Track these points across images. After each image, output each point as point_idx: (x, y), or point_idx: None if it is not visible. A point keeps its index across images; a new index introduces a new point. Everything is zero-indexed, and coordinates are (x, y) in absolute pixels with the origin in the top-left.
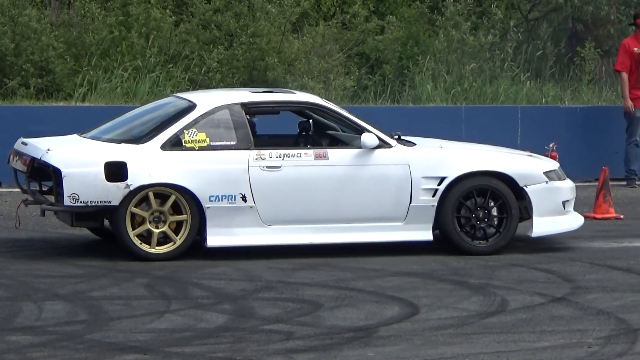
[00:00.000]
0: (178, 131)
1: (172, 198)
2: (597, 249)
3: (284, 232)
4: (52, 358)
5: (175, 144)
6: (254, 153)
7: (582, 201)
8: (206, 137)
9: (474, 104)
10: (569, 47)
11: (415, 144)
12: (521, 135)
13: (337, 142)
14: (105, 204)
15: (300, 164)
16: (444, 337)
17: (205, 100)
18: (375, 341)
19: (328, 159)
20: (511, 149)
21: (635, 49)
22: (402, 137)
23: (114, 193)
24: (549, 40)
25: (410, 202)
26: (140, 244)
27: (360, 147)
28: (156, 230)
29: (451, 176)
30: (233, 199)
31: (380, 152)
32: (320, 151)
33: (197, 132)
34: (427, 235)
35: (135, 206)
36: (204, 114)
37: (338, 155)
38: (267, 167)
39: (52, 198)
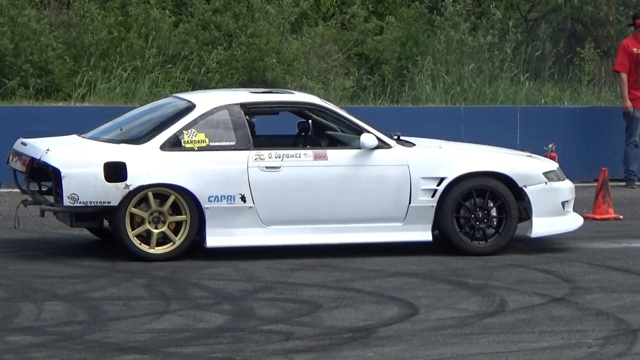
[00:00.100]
0: (177, 131)
1: (172, 198)
2: (596, 250)
3: (283, 232)
4: (51, 358)
5: (174, 144)
6: (253, 153)
7: (582, 202)
8: (205, 137)
9: (473, 105)
10: (568, 47)
11: (415, 145)
12: (520, 135)
13: (336, 143)
14: (104, 204)
15: (299, 164)
16: (443, 338)
17: (205, 100)
18: (375, 341)
19: (327, 159)
20: (510, 149)
21: (635, 49)
22: (401, 138)
23: (114, 193)
24: (548, 41)
25: (409, 203)
26: (140, 244)
27: (359, 148)
28: (155, 231)
29: (450, 176)
30: (232, 200)
31: (379, 152)
32: (320, 151)
33: (196, 133)
34: (426, 235)
35: (134, 206)
36: (203, 114)
37: (337, 156)
38: (266, 167)
39: (51, 198)
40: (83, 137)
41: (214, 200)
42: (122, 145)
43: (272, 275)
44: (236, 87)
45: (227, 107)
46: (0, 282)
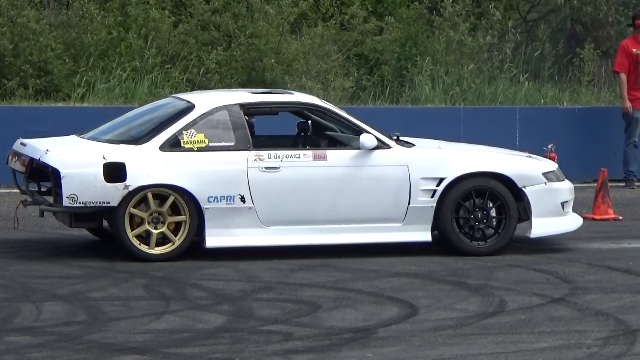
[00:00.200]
0: (177, 132)
1: (171, 199)
2: (595, 250)
3: (282, 232)
4: (50, 359)
5: (173, 144)
6: (252, 154)
7: (581, 202)
8: (205, 137)
9: (473, 105)
10: (568, 48)
11: (414, 145)
12: (520, 136)
13: (335, 143)
14: (104, 204)
15: (298, 164)
16: (442, 338)
17: (204, 101)
18: (374, 342)
19: (327, 159)
20: (510, 149)
21: (634, 50)
22: (400, 138)
23: (113, 194)
24: (547, 41)
25: (409, 203)
26: (139, 244)
27: (358, 148)
28: (155, 231)
29: (450, 177)
30: (232, 200)
31: (378, 153)
32: (319, 152)
33: (195, 133)
34: (425, 236)
35: (134, 207)
36: (202, 114)
37: (337, 156)
38: (265, 168)
39: (50, 199)
40: (82, 138)
41: (214, 201)
42: (122, 145)
43: (271, 275)
44: (235, 88)
45: (226, 107)
46: None
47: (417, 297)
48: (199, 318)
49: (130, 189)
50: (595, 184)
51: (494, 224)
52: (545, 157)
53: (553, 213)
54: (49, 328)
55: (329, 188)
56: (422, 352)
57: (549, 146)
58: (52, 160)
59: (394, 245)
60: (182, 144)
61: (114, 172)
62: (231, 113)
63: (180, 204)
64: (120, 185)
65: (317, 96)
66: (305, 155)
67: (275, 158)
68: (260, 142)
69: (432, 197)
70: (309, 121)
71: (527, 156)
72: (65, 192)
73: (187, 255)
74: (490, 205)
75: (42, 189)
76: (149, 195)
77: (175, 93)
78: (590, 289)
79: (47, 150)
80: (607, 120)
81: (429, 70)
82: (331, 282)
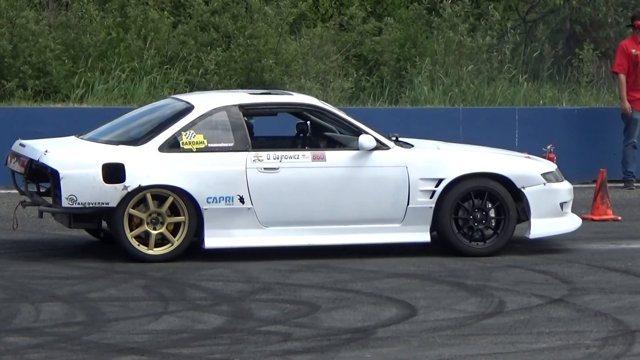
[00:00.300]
0: (176, 133)
1: (170, 199)
2: (594, 251)
3: (281, 233)
4: (49, 359)
5: (172, 145)
6: (251, 155)
7: (580, 203)
8: (204, 138)
9: (472, 106)
10: (567, 48)
11: (413, 146)
12: (519, 136)
13: (334, 144)
14: (103, 205)
15: (297, 165)
16: (441, 339)
17: (203, 101)
18: (373, 342)
19: (325, 160)
20: (509, 150)
21: (633, 50)
22: (399, 139)
23: (112, 194)
24: (546, 42)
25: (407, 204)
26: (138, 245)
27: (357, 149)
28: (154, 232)
29: (449, 178)
30: (231, 201)
31: (377, 153)
32: (318, 153)
33: (194, 134)
34: (424, 236)
35: (133, 208)
36: (201, 115)
37: (336, 157)
38: (264, 168)
39: (49, 199)
40: (81, 139)
41: (213, 202)
42: (121, 146)
43: (270, 276)
44: (234, 89)
45: (225, 108)
46: None
47: (416, 297)
48: (198, 319)
49: (130, 189)
50: (594, 185)
51: (493, 224)
52: (544, 157)
53: (552, 214)
54: (48, 329)
55: (328, 189)
56: (421, 353)
57: (548, 147)
58: (51, 161)
59: (393, 246)
60: (181, 145)
61: (113, 173)
62: (230, 114)
63: (179, 205)
64: (119, 186)
65: (316, 97)
66: (304, 156)
67: (274, 159)
68: (260, 142)
69: (431, 197)
70: (308, 122)
71: (526, 157)
72: (64, 193)
73: (186, 256)
74: (489, 205)
75: (41, 190)
76: (148, 196)
77: (174, 94)
78: (589, 290)
79: (46, 151)
80: (606, 121)
81: (428, 71)
82: (330, 283)
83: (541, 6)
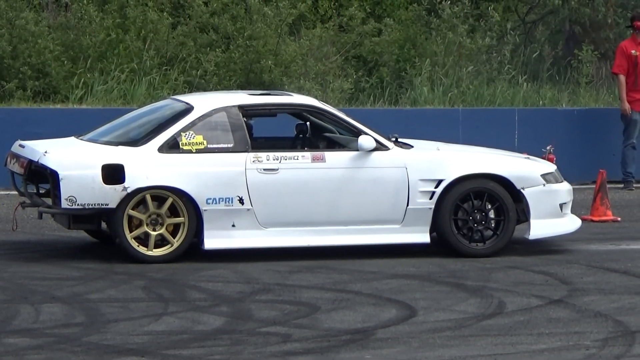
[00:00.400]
0: (175, 134)
1: (170, 201)
2: (594, 252)
3: (281, 234)
4: None
5: (172, 146)
6: (251, 155)
7: (580, 204)
8: (203, 139)
9: (471, 107)
10: (567, 49)
11: (413, 147)
12: (518, 137)
13: (334, 145)
14: (102, 206)
15: (297, 166)
16: (441, 340)
17: (203, 102)
18: (373, 343)
19: (325, 161)
20: (508, 151)
21: (633, 51)
22: (399, 140)
23: (111, 196)
24: (546, 43)
25: (407, 205)
26: (138, 246)
27: (357, 150)
28: (153, 233)
29: (448, 179)
30: (230, 202)
31: (377, 154)
32: (318, 154)
33: (194, 135)
34: (424, 237)
35: (132, 209)
36: (201, 116)
37: (335, 158)
38: (264, 169)
39: (49, 201)
40: (81, 139)
41: (212, 203)
42: (120, 147)
43: (270, 277)
44: (234, 89)
45: (225, 109)
46: None
47: (416, 298)
48: (198, 319)
49: (129, 190)
50: (593, 186)
51: (493, 225)
52: (544, 158)
53: (552, 214)
54: (48, 330)
55: (327, 189)
56: (421, 354)
57: (548, 148)
58: (50, 162)
59: (392, 247)
60: (180, 146)
61: (113, 173)
62: (230, 115)
63: (178, 206)
64: (118, 187)
65: (316, 98)
66: (304, 157)
67: (274, 159)
68: (259, 143)
69: (430, 198)
70: (308, 123)
71: (526, 158)
72: (64, 194)
73: (185, 257)
74: (489, 206)
75: (40, 191)
76: (148, 197)
77: (173, 95)
78: (588, 291)
79: (46, 152)
80: (605, 122)
81: (427, 72)
82: (330, 284)
83: (540, 7)
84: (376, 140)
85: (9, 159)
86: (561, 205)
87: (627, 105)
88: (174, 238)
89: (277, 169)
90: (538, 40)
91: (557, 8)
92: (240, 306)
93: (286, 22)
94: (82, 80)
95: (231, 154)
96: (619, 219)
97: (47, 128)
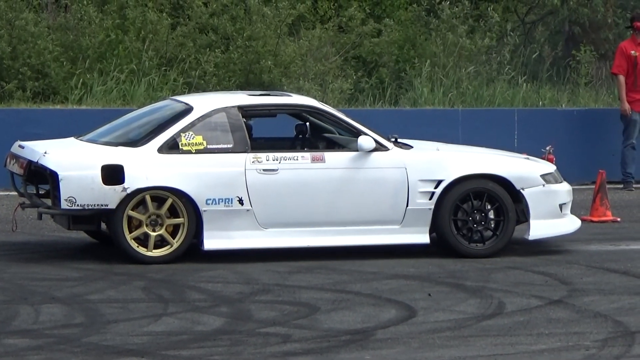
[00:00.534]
0: (175, 134)
1: (169, 201)
2: (594, 252)
3: (280, 235)
4: None
5: (172, 147)
6: (250, 156)
7: (579, 204)
8: (203, 140)
9: (471, 107)
10: (566, 50)
11: (412, 147)
12: (518, 138)
13: (333, 145)
14: (102, 207)
15: (297, 166)
16: (441, 340)
17: (202, 103)
18: (372, 344)
19: (325, 161)
20: (508, 151)
21: (632, 52)
22: (399, 140)
23: (111, 196)
24: (545, 43)
25: (407, 205)
26: (137, 247)
27: (357, 150)
28: (153, 234)
29: (448, 179)
30: (230, 202)
31: (377, 155)
32: (317, 154)
33: (193, 135)
34: (424, 238)
35: (132, 209)
36: (200, 116)
37: (335, 158)
38: (263, 170)
39: (49, 201)
40: (81, 140)
41: (212, 203)
42: (120, 148)
43: (269, 277)
44: (233, 90)
45: (224, 109)
46: None
47: (416, 299)
48: (198, 320)
49: (129, 191)
50: (593, 186)
51: (492, 226)
52: (544, 159)
53: (551, 215)
54: (48, 330)
55: (327, 190)
56: (421, 354)
57: (547, 148)
58: (50, 162)
59: (392, 247)
60: (180, 146)
61: (112, 174)
62: (229, 115)
63: (178, 207)
64: (118, 187)
65: (315, 98)
66: (304, 157)
67: (274, 160)
68: (259, 144)
69: (430, 199)
70: (307, 123)
71: (526, 158)
72: (64, 194)
73: (185, 258)
74: (489, 207)
75: (40, 192)
76: (147, 198)
77: (173, 95)
78: (588, 291)
79: (45, 152)
80: (605, 122)
81: (427, 73)
82: (329, 284)
83: (540, 7)
84: (376, 141)
85: (8, 160)
86: (561, 206)
87: (627, 106)
88: (174, 239)
89: (277, 170)
90: (538, 41)
91: (557, 8)
92: (240, 307)
93: (286, 23)
94: (82, 80)
95: (231, 155)
96: (619, 219)
97: (46, 129)
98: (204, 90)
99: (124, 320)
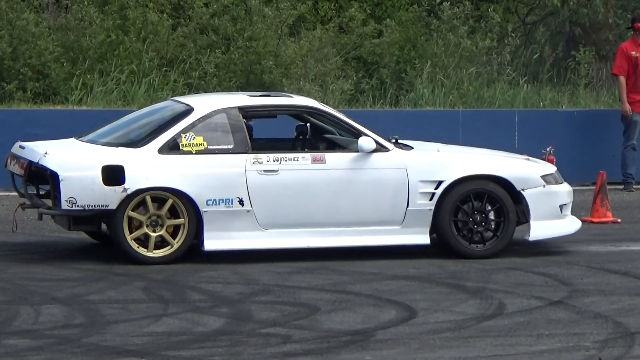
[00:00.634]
0: (175, 135)
1: (170, 202)
2: (594, 253)
3: (281, 235)
4: None
5: (172, 147)
6: (251, 157)
7: (580, 205)
8: (203, 140)
9: (472, 108)
10: (567, 51)
11: (413, 148)
12: (518, 138)
13: (334, 146)
14: (102, 207)
15: (297, 167)
16: (441, 341)
17: (203, 103)
18: (373, 345)
19: (325, 162)
20: (508, 152)
21: (633, 52)
22: (399, 141)
23: (112, 197)
24: (546, 44)
25: (407, 206)
26: (138, 247)
27: (357, 151)
28: (153, 234)
29: (448, 180)
30: (230, 203)
31: (377, 155)
32: (318, 155)
33: (194, 136)
34: (424, 239)
35: (132, 210)
36: (201, 117)
37: (335, 159)
38: (264, 170)
39: (49, 202)
40: (81, 141)
41: (212, 204)
42: (120, 148)
43: (269, 278)
44: (234, 91)
45: (225, 110)
46: None
47: (416, 299)
48: (198, 321)
49: (129, 192)
50: (593, 187)
51: (493, 226)
52: (544, 159)
53: (552, 216)
54: (48, 331)
55: (327, 191)
56: (421, 355)
57: (548, 149)
58: (50, 163)
59: (392, 248)
60: (180, 147)
61: (113, 175)
62: (230, 116)
63: (178, 207)
64: (118, 188)
65: (316, 99)
66: (304, 158)
67: (274, 161)
68: (259, 145)
69: (430, 200)
70: (308, 124)
71: (526, 159)
72: (64, 195)
73: (185, 258)
74: (489, 208)
75: (40, 192)
76: (148, 199)
77: (173, 96)
78: (588, 292)
79: (46, 153)
80: (606, 123)
81: (428, 74)
82: (329, 285)
83: (540, 8)
84: (376, 142)
85: (9, 160)
86: (561, 207)
87: (627, 107)
88: (174, 239)
89: (277, 170)
90: (538, 42)
91: (557, 9)
92: (240, 307)
93: (286, 24)
94: (82, 81)
95: (231, 155)
96: (619, 220)
97: (47, 129)
98: (205, 91)
99: (124, 321)
